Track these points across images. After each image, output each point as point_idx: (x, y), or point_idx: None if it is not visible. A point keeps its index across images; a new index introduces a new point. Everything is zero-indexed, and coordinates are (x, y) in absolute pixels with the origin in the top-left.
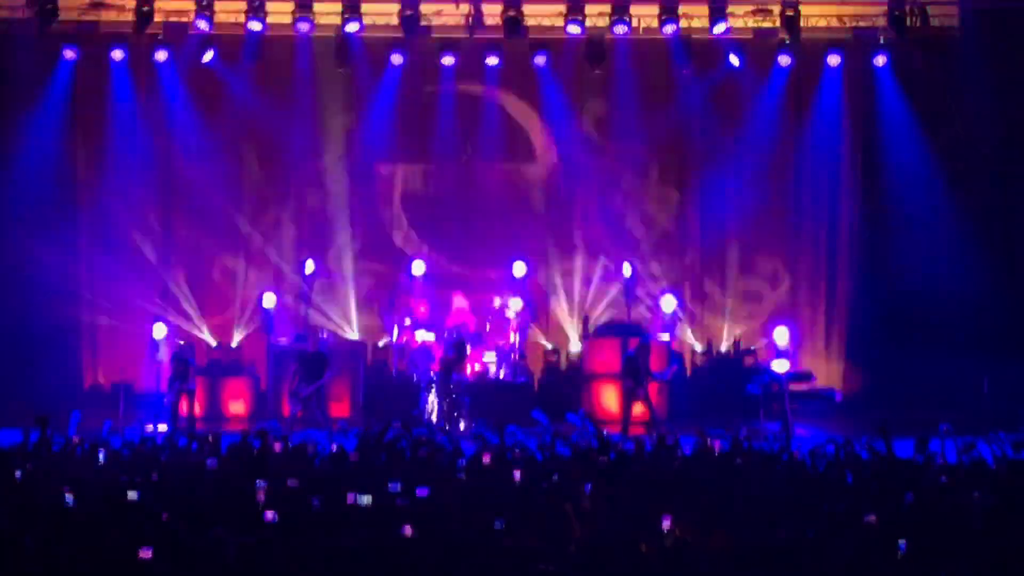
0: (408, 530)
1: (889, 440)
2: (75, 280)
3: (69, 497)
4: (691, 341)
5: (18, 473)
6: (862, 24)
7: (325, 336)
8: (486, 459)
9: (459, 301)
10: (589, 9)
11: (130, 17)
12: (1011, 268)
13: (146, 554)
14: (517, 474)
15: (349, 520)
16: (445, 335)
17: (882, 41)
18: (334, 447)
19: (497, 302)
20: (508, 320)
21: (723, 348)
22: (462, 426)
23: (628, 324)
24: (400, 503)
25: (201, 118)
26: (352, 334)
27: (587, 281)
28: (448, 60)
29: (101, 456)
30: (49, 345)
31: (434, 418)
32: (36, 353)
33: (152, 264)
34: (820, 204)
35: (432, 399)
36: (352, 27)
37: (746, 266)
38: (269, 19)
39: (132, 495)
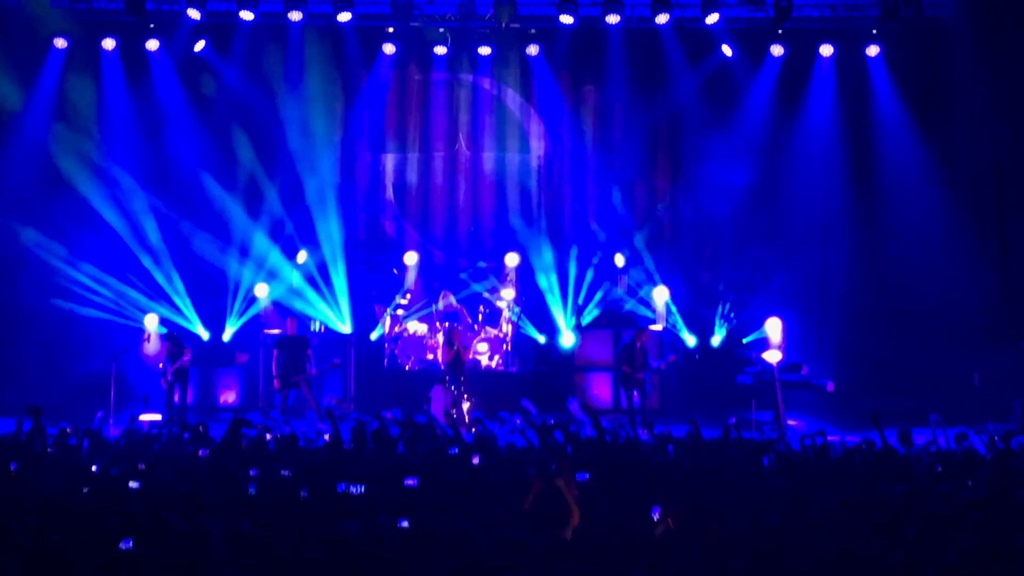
0: (404, 523)
1: (881, 429)
2: (66, 270)
3: (65, 487)
4: (683, 332)
5: (13, 464)
6: (855, 14)
7: (320, 328)
8: (475, 460)
9: (447, 299)
10: None
11: (122, 6)
12: (1002, 259)
13: (127, 545)
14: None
15: (341, 509)
16: (437, 326)
17: (874, 32)
18: (326, 437)
19: (489, 292)
20: (500, 310)
21: (715, 339)
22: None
23: (621, 314)
24: (391, 494)
25: (193, 107)
26: (344, 325)
27: (580, 271)
28: (440, 50)
29: (94, 446)
30: (41, 335)
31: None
32: (28, 343)
33: (143, 254)
34: (813, 195)
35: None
36: (344, 16)
37: (738, 256)
38: (260, 8)
39: (133, 484)
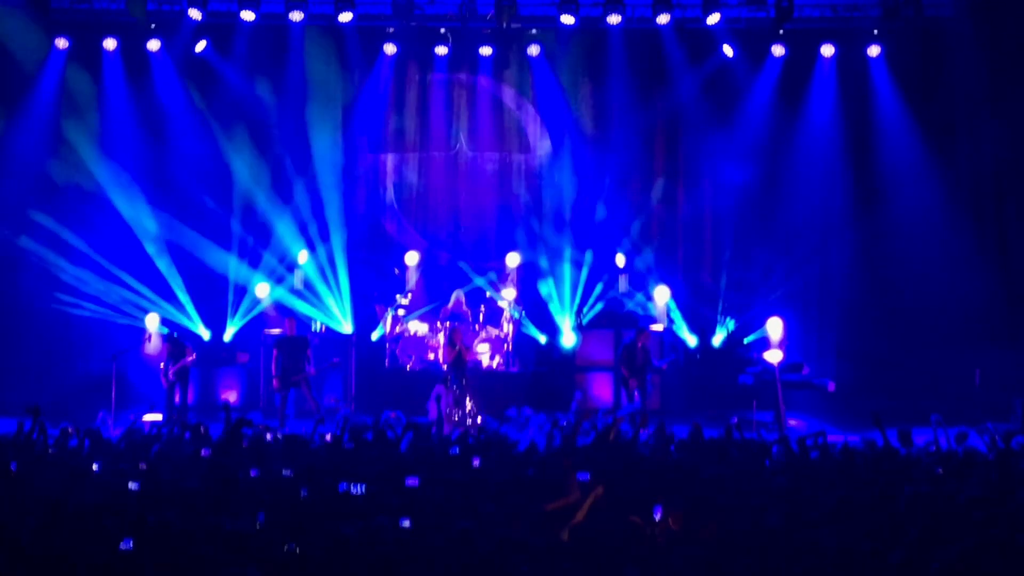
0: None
1: (883, 428)
2: (66, 270)
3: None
4: (684, 332)
5: (13, 464)
6: (856, 14)
7: (321, 328)
8: (476, 462)
9: (458, 297)
10: None
11: (123, 6)
12: (1003, 259)
13: (127, 545)
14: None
15: (341, 509)
16: (438, 326)
17: (875, 32)
18: (328, 437)
19: (490, 292)
20: (501, 310)
21: (716, 339)
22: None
23: (621, 314)
24: (393, 496)
25: (193, 108)
26: (345, 325)
27: (581, 271)
28: (441, 50)
29: (95, 446)
30: (41, 335)
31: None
32: (28, 343)
33: (144, 254)
34: (813, 195)
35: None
36: (345, 16)
37: (739, 257)
38: (261, 8)
39: (132, 485)
